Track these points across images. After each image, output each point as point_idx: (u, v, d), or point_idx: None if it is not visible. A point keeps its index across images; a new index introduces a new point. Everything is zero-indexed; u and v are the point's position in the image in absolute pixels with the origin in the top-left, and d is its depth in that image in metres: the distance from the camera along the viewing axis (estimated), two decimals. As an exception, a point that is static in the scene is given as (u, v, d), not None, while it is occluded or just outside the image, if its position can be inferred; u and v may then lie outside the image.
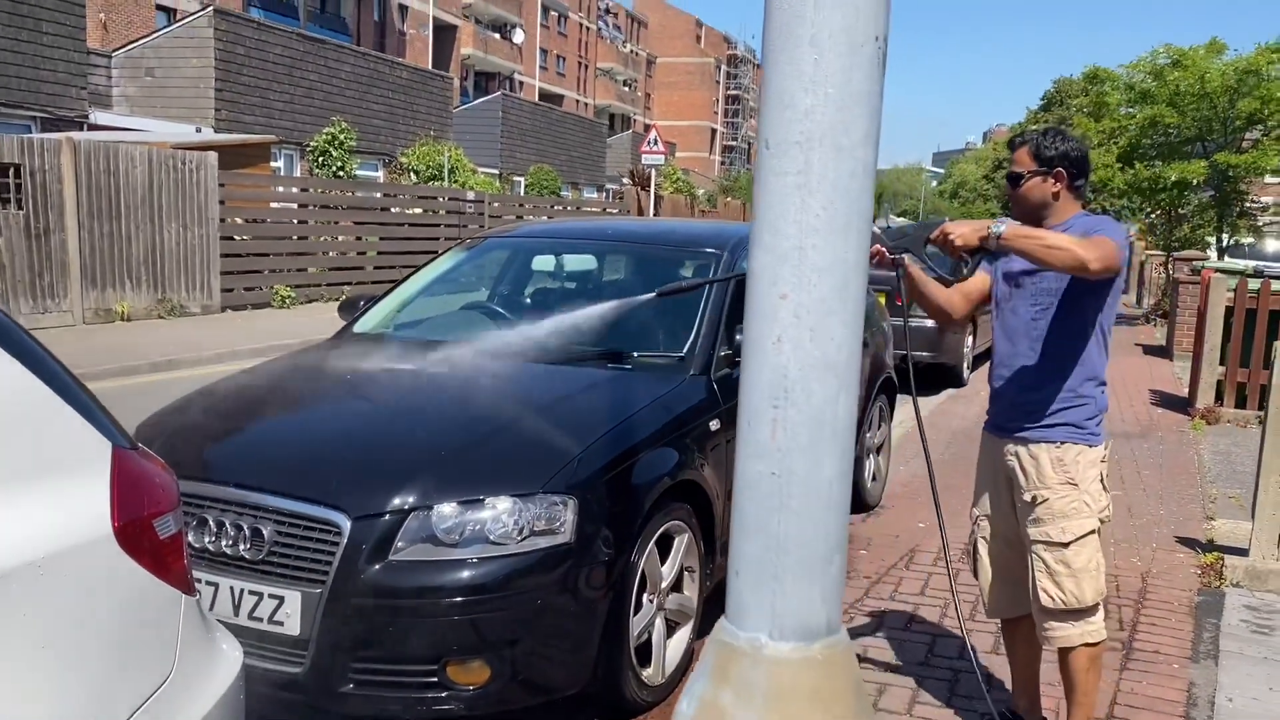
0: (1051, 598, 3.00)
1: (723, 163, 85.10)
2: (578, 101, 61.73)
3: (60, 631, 1.75)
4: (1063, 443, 3.00)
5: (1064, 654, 3.10)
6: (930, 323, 9.86)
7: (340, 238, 16.74)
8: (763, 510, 1.30)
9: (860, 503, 5.81)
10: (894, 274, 3.00)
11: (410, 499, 3.05)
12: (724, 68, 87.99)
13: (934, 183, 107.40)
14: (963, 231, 2.83)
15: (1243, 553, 4.86)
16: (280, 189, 16.68)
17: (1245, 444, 7.80)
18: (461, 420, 3.52)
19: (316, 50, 24.26)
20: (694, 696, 1.39)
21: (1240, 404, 8.85)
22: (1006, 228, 2.76)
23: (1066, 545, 2.98)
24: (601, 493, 3.23)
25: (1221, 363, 8.97)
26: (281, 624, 3.01)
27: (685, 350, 4.07)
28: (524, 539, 3.06)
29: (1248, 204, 17.16)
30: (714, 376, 4.01)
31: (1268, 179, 18.49)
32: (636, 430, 3.50)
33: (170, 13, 27.41)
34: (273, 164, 20.38)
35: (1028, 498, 3.04)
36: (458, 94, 39.61)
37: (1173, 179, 16.24)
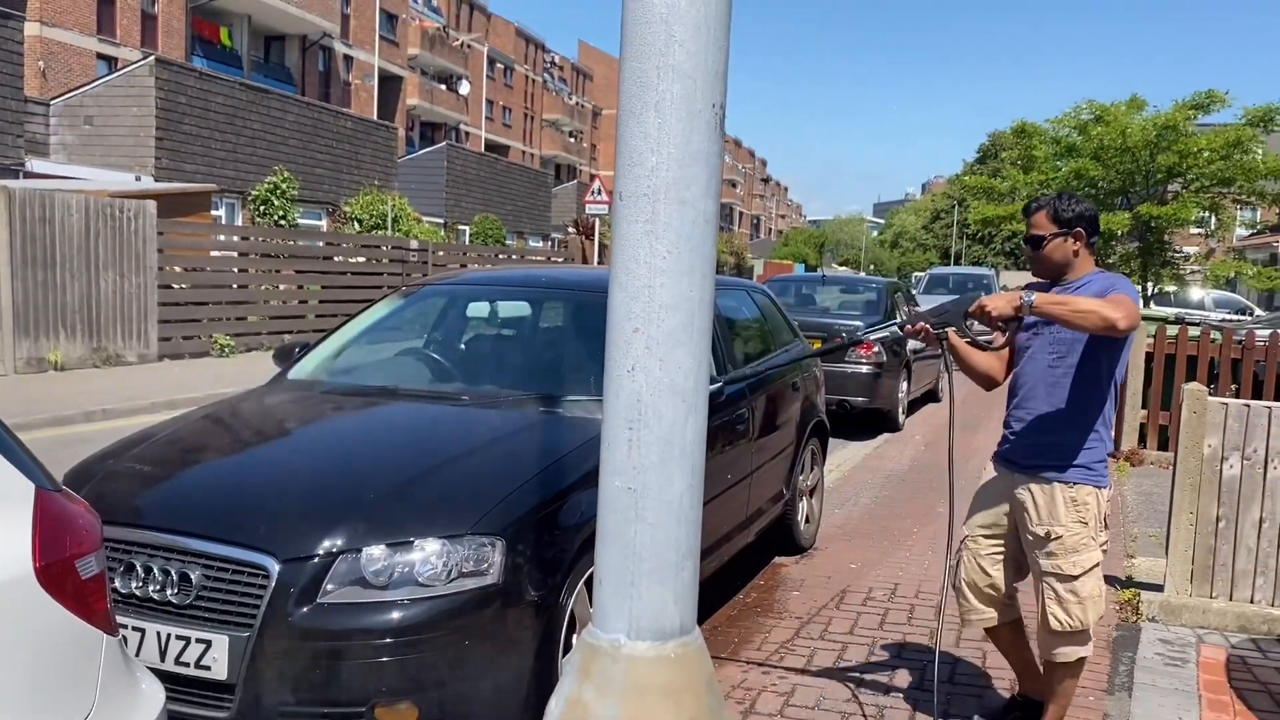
0: (1060, 623, 3.30)
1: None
2: (524, 152, 62.15)
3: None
4: (1076, 484, 3.27)
5: (1057, 664, 3.42)
6: (865, 368, 10.19)
7: (282, 286, 16.65)
8: (620, 522, 1.41)
9: (794, 545, 5.91)
10: (940, 348, 3.28)
11: (339, 542, 3.08)
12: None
13: (875, 232, 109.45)
14: (998, 305, 3.11)
15: (1158, 588, 5.03)
16: (221, 237, 16.58)
17: (1166, 485, 8.02)
18: (392, 463, 3.56)
19: (260, 100, 24.25)
20: (561, 695, 1.47)
21: (1162, 446, 9.12)
22: (1036, 297, 3.08)
23: (1076, 578, 3.28)
24: (530, 534, 3.28)
25: (1144, 406, 9.26)
26: (209, 668, 3.01)
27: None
28: (452, 580, 3.10)
29: (1170, 254, 17.77)
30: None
31: (1191, 230, 19.18)
32: (566, 472, 3.57)
33: (111, 61, 27.28)
34: (214, 213, 20.26)
35: (1041, 532, 3.30)
36: (403, 144, 39.74)
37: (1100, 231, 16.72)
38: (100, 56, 27.59)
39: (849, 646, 4.58)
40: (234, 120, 23.11)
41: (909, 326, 3.24)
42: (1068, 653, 3.38)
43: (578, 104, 72.97)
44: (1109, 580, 5.53)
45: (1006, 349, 3.46)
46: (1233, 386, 8.78)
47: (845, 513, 7.04)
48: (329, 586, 3.05)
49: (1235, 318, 18.92)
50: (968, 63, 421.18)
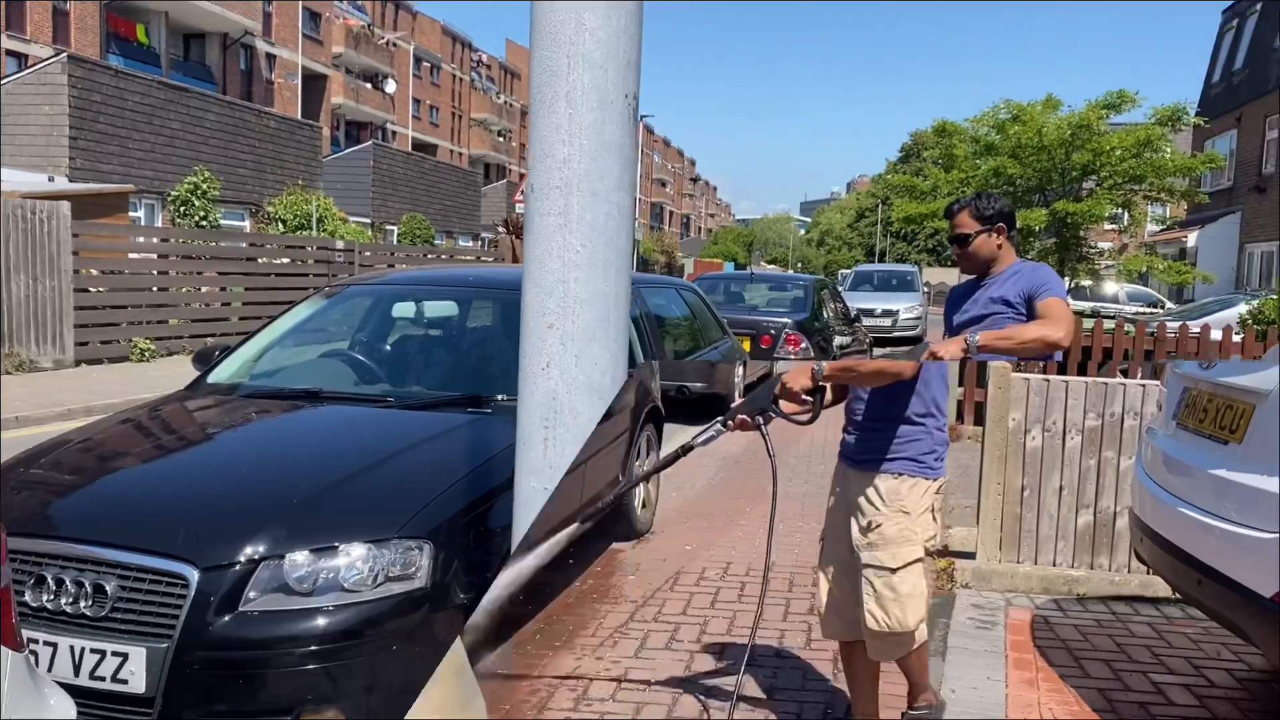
0: (877, 621, 3.14)
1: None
2: (452, 151, 61.58)
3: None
4: (900, 474, 3.17)
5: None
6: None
7: (204, 289, 16.26)
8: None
9: (631, 530, 5.87)
10: (761, 434, 2.99)
11: (261, 548, 3.02)
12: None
13: (802, 231, 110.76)
14: (794, 380, 2.98)
15: (971, 556, 5.21)
16: (140, 239, 16.14)
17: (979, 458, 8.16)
18: (315, 467, 3.51)
19: (179, 98, 23.67)
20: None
21: (979, 421, 9.28)
22: (980, 337, 3.22)
23: (894, 571, 3.13)
24: (459, 537, 3.26)
25: (960, 384, 9.47)
26: (125, 682, 2.92)
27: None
28: (379, 585, 3.06)
29: (1086, 249, 18.26)
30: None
31: (1105, 226, 19.72)
32: (494, 474, 3.53)
33: (21, 58, 26.42)
34: (131, 214, 19.73)
35: (864, 523, 3.19)
36: (328, 143, 39.13)
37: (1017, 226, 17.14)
38: (10, 53, 26.71)
39: (681, 627, 4.58)
40: (152, 119, 22.51)
41: (731, 423, 2.98)
42: (887, 654, 3.25)
43: (506, 103, 72.52)
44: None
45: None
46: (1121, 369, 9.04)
47: (682, 496, 7.06)
48: (251, 594, 2.99)
49: (1148, 310, 19.52)
50: (889, 63, 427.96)
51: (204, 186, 19.67)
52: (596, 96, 1.71)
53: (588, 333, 1.48)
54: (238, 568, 3.00)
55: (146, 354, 14.26)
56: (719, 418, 2.93)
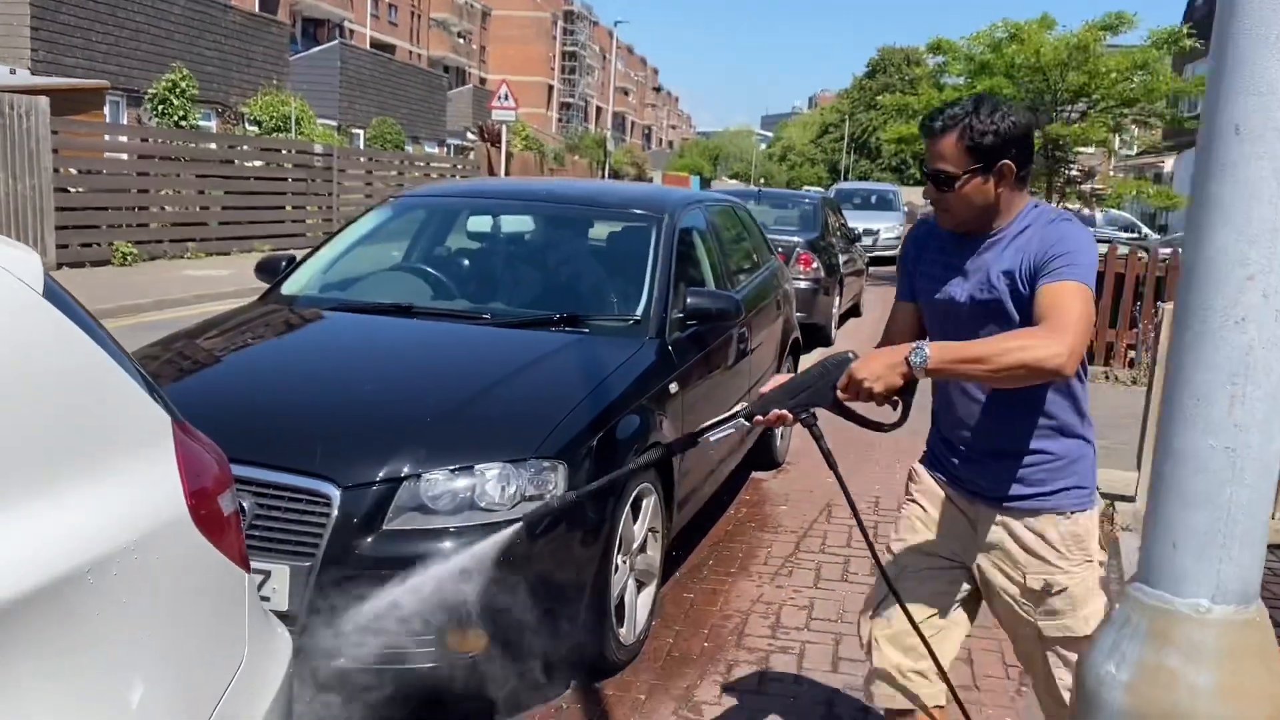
0: (1068, 681, 2.28)
1: (560, 120, 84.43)
2: (411, 52, 59.82)
3: (154, 621, 1.65)
4: (1074, 512, 2.29)
5: None
6: (804, 284, 10.25)
7: (183, 191, 15.82)
8: (1214, 484, 1.36)
9: (770, 460, 5.98)
10: (813, 435, 2.28)
11: (403, 467, 2.98)
12: (560, 23, 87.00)
13: (763, 146, 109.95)
14: (876, 376, 2.10)
15: (1130, 499, 5.27)
16: (123, 138, 15.61)
17: (1120, 397, 8.26)
18: (438, 385, 3.44)
19: (142, -11, 22.67)
20: (1127, 660, 1.44)
21: (1129, 364, 9.43)
22: (931, 351, 2.07)
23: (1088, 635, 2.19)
24: (587, 457, 3.24)
25: (1112, 325, 9.56)
26: (268, 599, 2.89)
27: (640, 314, 4.08)
28: (514, 505, 3.04)
29: (1072, 172, 18.32)
30: (669, 339, 4.05)
31: (1088, 150, 19.76)
32: (610, 394, 3.51)
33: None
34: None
35: (1036, 585, 2.30)
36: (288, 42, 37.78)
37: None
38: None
39: (851, 560, 4.69)
40: (116, 12, 21.57)
41: (759, 416, 2.26)
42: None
43: (467, 3, 70.48)
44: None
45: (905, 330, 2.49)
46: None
47: (802, 430, 7.12)
48: (391, 514, 2.96)
49: (1140, 237, 19.74)
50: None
51: (183, 85, 18.94)
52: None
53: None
54: (379, 487, 2.95)
55: (129, 258, 13.91)
56: (742, 406, 2.31)
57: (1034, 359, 2.01)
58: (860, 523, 2.29)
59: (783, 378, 2.32)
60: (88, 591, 1.49)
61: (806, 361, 7.00)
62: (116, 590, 1.56)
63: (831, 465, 2.30)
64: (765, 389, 2.29)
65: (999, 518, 2.34)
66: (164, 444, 1.81)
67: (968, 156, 2.18)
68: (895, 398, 2.15)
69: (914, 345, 2.09)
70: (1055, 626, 2.32)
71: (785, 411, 2.24)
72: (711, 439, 2.35)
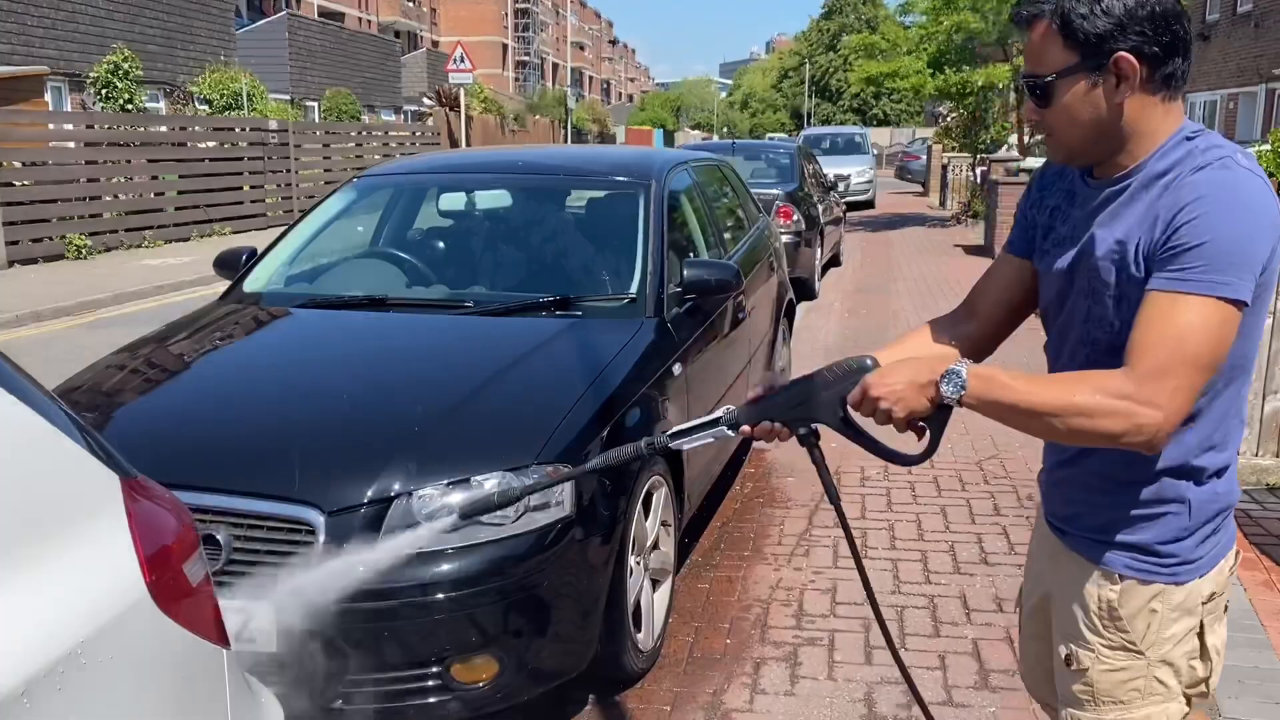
0: None
1: (517, 79, 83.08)
2: (360, 19, 58.39)
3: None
4: (1123, 577, 1.67)
5: None
6: (787, 237, 9.96)
7: (134, 178, 15.27)
8: None
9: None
10: (808, 447, 1.79)
11: (392, 485, 2.69)
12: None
13: (723, 94, 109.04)
14: (898, 392, 1.60)
15: None
16: (68, 126, 15.00)
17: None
18: (424, 389, 3.13)
19: (76, -33, 21.80)
20: None
21: None
22: (972, 381, 1.53)
23: None
24: (594, 455, 2.95)
25: None
26: (253, 641, 2.60)
27: (635, 291, 3.78)
28: (520, 517, 2.76)
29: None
30: (667, 317, 3.75)
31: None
32: (612, 384, 3.23)
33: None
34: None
35: (1061, 649, 1.76)
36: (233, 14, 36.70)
37: (980, 83, 16.89)
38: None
39: (869, 532, 4.46)
40: (50, -9, 20.76)
41: (745, 427, 1.77)
42: None
43: (415, -34, 68.85)
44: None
45: (1001, 295, 1.89)
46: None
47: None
48: (383, 538, 2.66)
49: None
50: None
51: (126, 66, 18.23)
52: None
53: None
54: (368, 509, 2.66)
55: (83, 251, 13.42)
56: (720, 413, 1.80)
57: (1104, 430, 1.43)
58: (859, 563, 1.84)
59: (773, 379, 1.85)
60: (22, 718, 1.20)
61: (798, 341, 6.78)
62: (60, 712, 1.27)
63: (834, 501, 1.80)
64: (754, 393, 1.79)
65: (1053, 538, 1.80)
66: (113, 510, 1.51)
67: (1064, 48, 1.52)
68: (921, 423, 1.65)
69: (952, 366, 1.55)
70: (1067, 716, 1.76)
71: (780, 425, 1.76)
72: (685, 448, 1.90)
